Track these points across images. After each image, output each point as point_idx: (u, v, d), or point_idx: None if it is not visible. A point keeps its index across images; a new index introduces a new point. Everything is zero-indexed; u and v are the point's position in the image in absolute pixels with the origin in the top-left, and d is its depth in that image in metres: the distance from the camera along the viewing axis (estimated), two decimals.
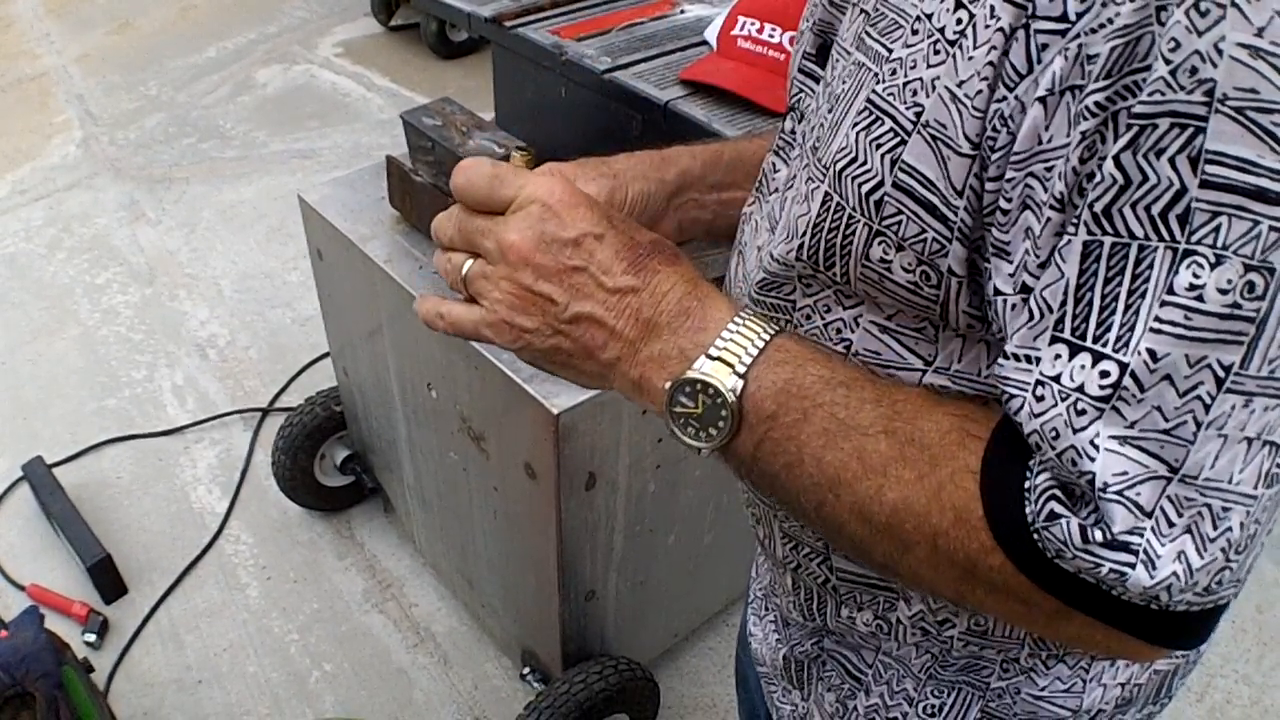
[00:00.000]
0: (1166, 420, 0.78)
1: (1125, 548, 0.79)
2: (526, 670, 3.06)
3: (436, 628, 3.50)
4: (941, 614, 1.21)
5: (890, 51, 0.95)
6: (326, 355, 4.09)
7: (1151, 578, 0.80)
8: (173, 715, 3.26)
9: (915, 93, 0.91)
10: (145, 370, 4.50)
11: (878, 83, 0.95)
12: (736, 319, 1.03)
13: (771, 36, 2.44)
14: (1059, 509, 0.82)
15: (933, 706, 1.32)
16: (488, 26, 2.81)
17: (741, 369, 1.00)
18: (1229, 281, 0.74)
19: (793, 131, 1.21)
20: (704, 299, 1.05)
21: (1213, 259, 0.74)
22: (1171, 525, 0.80)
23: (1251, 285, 0.74)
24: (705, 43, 2.71)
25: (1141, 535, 0.79)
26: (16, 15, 7.95)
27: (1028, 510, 0.84)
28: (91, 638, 3.44)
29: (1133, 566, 0.80)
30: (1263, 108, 0.71)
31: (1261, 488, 0.81)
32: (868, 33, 0.99)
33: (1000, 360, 0.88)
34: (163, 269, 5.07)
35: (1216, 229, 0.73)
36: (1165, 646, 0.88)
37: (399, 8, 7.39)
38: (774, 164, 1.25)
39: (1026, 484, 0.85)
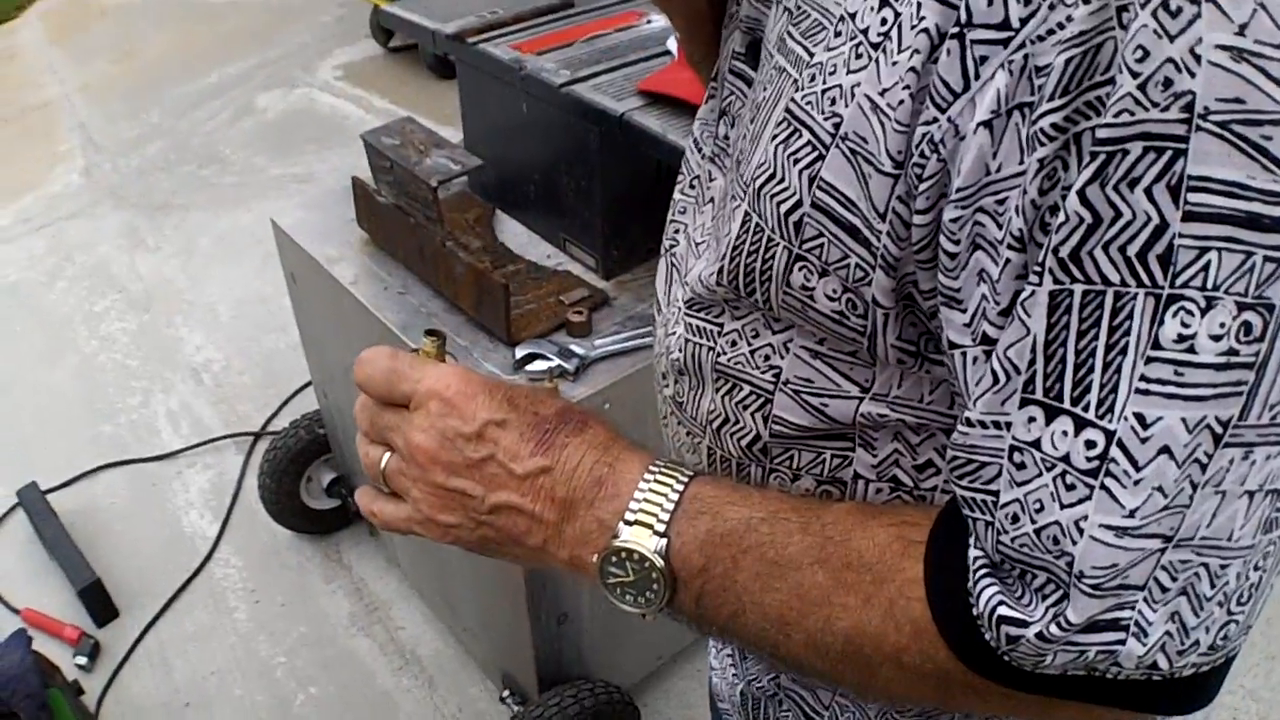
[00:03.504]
0: (1166, 496, 0.69)
1: (1112, 626, 0.73)
2: (506, 693, 3.04)
3: (422, 650, 3.49)
4: None
5: (811, 55, 0.87)
6: None
7: (1144, 646, 0.74)
8: None
9: (834, 101, 0.83)
10: (141, 396, 4.51)
11: (796, 90, 0.88)
12: (646, 476, 0.99)
13: None
14: (1014, 630, 0.76)
15: None
16: (450, 43, 2.79)
17: (661, 527, 0.95)
18: (1222, 326, 0.65)
19: (726, 137, 1.13)
20: (615, 463, 1.00)
21: (1203, 303, 0.65)
22: (1165, 591, 0.73)
23: (1248, 326, 0.65)
24: (668, 52, 2.69)
25: (1131, 609, 0.73)
26: (21, 46, 8.00)
27: (988, 638, 0.79)
28: (83, 660, 3.45)
29: (1122, 642, 0.74)
30: (1250, 120, 0.61)
31: (1260, 535, 0.74)
32: (789, 33, 0.92)
33: (961, 429, 0.80)
34: (160, 295, 5.08)
35: (1205, 267, 0.64)
36: (1174, 712, 0.81)
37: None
38: (710, 172, 1.17)
39: (974, 610, 0.79)
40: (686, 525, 0.96)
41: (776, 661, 1.00)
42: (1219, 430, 0.67)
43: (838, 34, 0.84)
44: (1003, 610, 0.77)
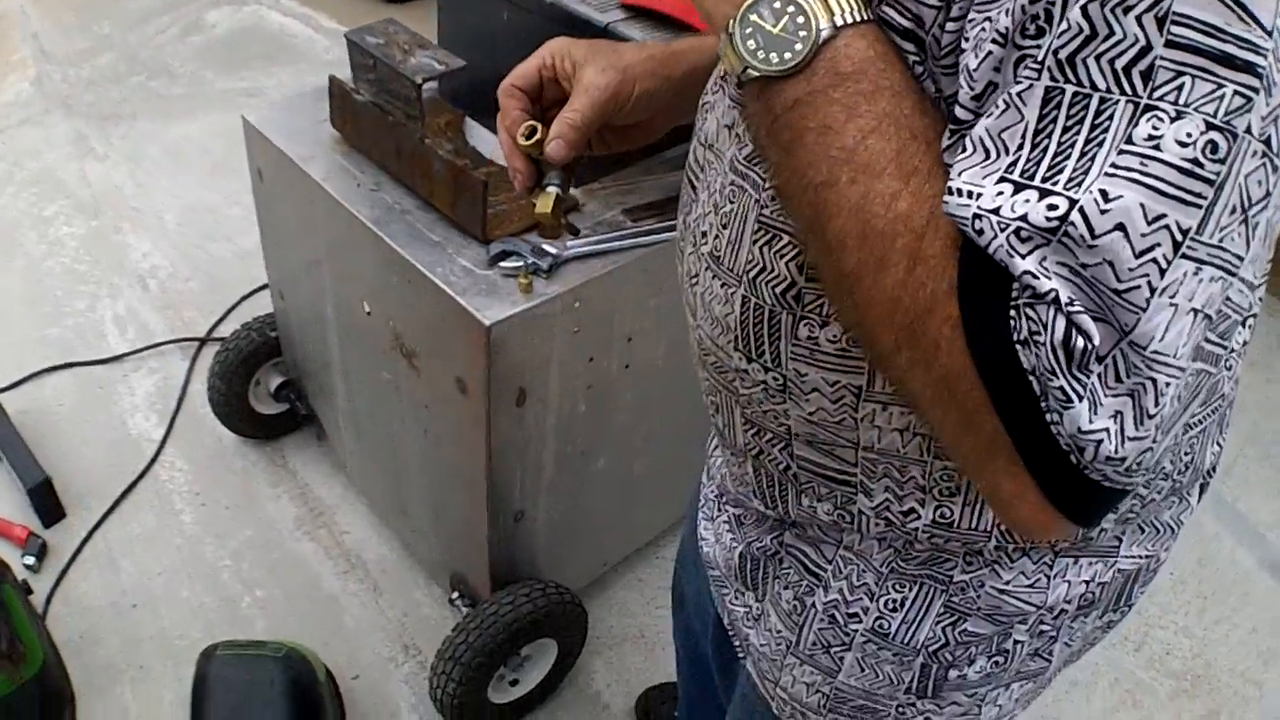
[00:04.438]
0: (1119, 280, 0.77)
1: (1079, 380, 0.79)
2: (455, 595, 3.08)
3: (367, 555, 3.53)
4: (907, 503, 1.21)
5: None
6: (263, 288, 4.04)
7: (1090, 423, 0.80)
8: (108, 638, 3.27)
9: None
10: (88, 300, 4.48)
11: None
12: None
13: None
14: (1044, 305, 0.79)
15: (894, 601, 1.32)
16: None
17: (840, 21, 0.95)
18: (1189, 135, 0.75)
19: None
20: None
21: (1173, 114, 0.76)
22: (1118, 381, 0.80)
23: (1214, 145, 0.76)
24: None
25: (1089, 375, 0.79)
26: None
27: (1015, 282, 0.81)
28: (31, 560, 3.43)
29: (1080, 398, 0.79)
30: None
31: (1192, 360, 0.82)
32: None
33: (944, 196, 0.87)
34: (109, 203, 5.05)
35: (1179, 87, 0.75)
36: (1057, 510, 0.86)
37: None
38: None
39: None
40: (859, 38, 0.95)
41: (804, 199, 0.97)
42: (1179, 237, 0.77)
43: None
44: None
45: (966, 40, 0.87)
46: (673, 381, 2.81)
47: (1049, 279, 0.78)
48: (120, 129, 5.59)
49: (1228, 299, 0.83)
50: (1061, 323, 0.78)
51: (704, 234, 1.24)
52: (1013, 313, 0.80)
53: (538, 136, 1.28)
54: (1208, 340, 0.86)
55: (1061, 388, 0.79)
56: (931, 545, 1.25)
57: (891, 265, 0.89)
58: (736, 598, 1.54)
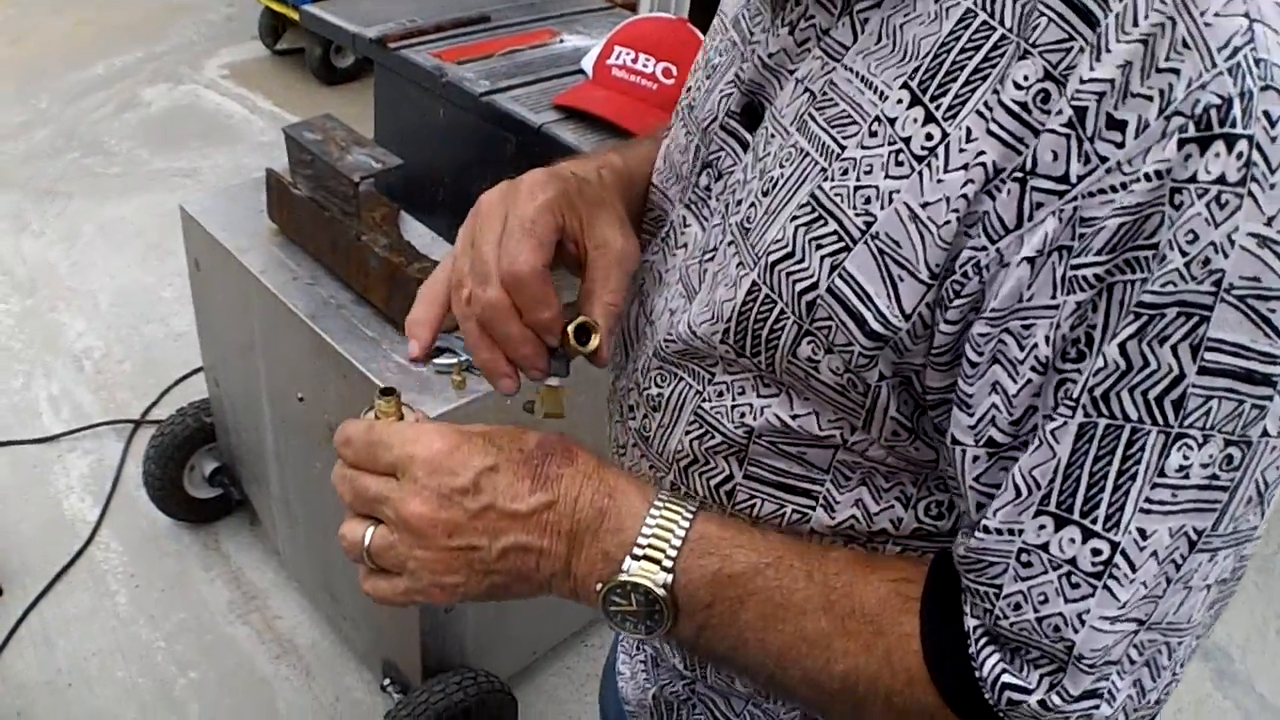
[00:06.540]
0: (1146, 588, 0.82)
1: (1092, 694, 0.85)
2: (387, 682, 3.09)
3: (299, 640, 3.53)
4: None
5: (843, 149, 0.93)
6: (198, 371, 4.05)
7: (1111, 708, 0.85)
8: (44, 716, 3.26)
9: (868, 200, 0.90)
10: (23, 379, 4.49)
11: (825, 179, 0.94)
12: (654, 509, 1.01)
13: (645, 66, 2.52)
14: (1016, 695, 0.87)
15: None
16: (372, 47, 2.86)
17: (669, 564, 0.98)
18: (1210, 456, 0.78)
19: (708, 188, 1.16)
20: (613, 493, 1.02)
21: (1201, 439, 0.78)
22: (1133, 663, 0.85)
23: (1230, 459, 0.78)
24: (581, 71, 2.78)
25: (1107, 679, 0.85)
26: None
27: (987, 697, 0.88)
28: None
29: (1097, 707, 0.85)
30: (1262, 295, 0.74)
31: (1208, 613, 0.87)
32: (813, 116, 0.98)
33: (978, 534, 0.89)
34: (44, 280, 5.06)
35: (1208, 412, 0.77)
36: None
37: (285, 32, 7.40)
38: (684, 218, 1.20)
39: (977, 673, 0.89)
40: (694, 563, 0.99)
41: (767, 689, 1.09)
42: (1194, 538, 0.81)
43: (873, 134, 0.91)
44: (1006, 678, 0.87)
45: (979, 353, 0.86)
46: None
47: (1076, 632, 0.84)
48: (56, 206, 5.60)
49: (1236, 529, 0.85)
50: (1038, 705, 0.86)
51: (632, 408, 1.25)
52: (1001, 717, 0.89)
53: (595, 340, 1.09)
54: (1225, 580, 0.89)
55: (1080, 716, 0.86)
56: None
57: (869, 704, 0.96)
58: None
